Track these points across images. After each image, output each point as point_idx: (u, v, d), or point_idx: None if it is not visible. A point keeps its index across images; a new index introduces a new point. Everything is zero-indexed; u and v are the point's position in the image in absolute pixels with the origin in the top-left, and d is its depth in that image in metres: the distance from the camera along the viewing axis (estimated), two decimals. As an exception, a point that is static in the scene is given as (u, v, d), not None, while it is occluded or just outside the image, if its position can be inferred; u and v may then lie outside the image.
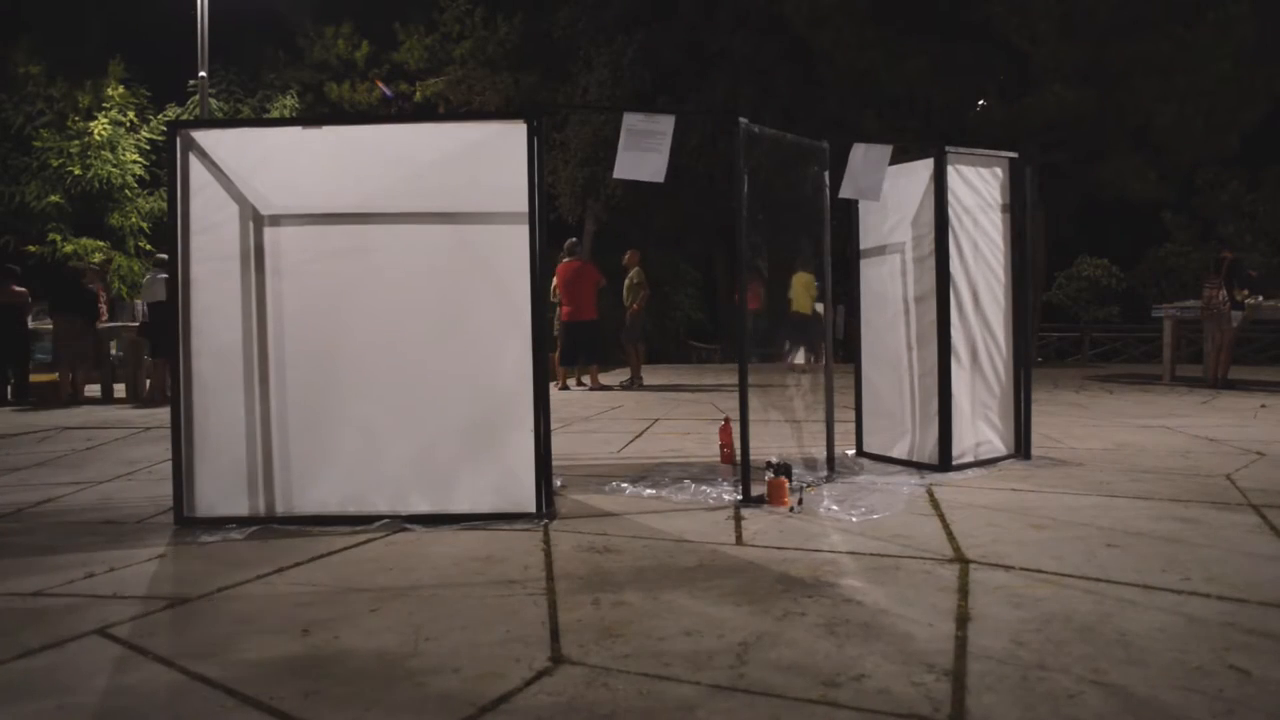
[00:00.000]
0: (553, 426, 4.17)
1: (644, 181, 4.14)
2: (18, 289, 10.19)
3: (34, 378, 10.65)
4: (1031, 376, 5.40)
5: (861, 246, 5.50)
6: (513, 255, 3.92)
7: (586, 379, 10.86)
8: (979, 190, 5.15)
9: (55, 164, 15.89)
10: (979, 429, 5.14)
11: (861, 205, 5.30)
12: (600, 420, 7.63)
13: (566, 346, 10.32)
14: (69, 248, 15.67)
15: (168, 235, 4.00)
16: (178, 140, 3.95)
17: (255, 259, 3.98)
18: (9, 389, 10.10)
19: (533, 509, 3.90)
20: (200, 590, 2.99)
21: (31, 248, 15.59)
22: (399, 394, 3.95)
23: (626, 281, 11.35)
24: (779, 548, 3.44)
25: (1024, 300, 5.36)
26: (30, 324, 10.83)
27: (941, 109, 16.59)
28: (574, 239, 11.23)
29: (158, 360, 9.81)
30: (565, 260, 10.41)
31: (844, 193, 4.89)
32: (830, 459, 5.08)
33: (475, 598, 2.87)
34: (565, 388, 10.43)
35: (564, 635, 2.52)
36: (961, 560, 3.22)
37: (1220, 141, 16.01)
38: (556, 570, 3.16)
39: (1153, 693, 2.09)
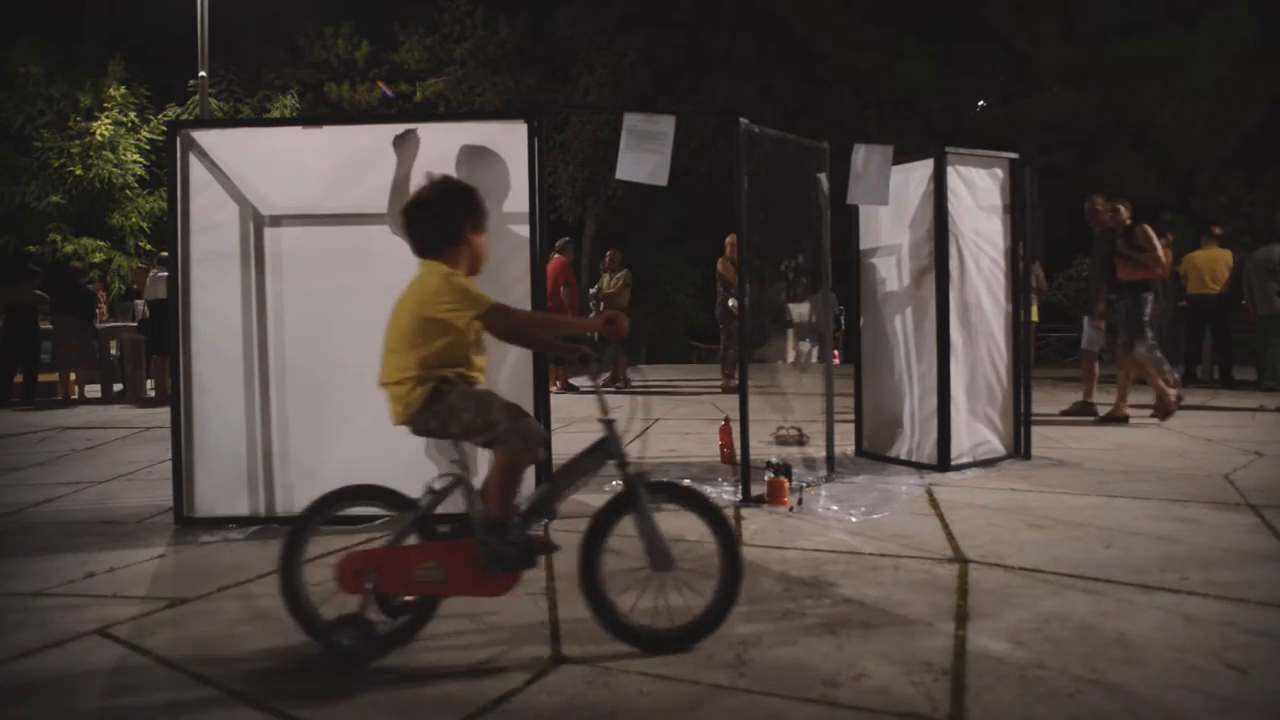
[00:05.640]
0: (553, 426, 4.16)
1: (645, 183, 4.13)
2: (38, 292, 10.19)
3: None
4: (1031, 377, 5.41)
5: (861, 247, 5.50)
6: (514, 256, 3.93)
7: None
8: (979, 191, 5.15)
9: (56, 164, 15.89)
10: (978, 429, 5.15)
11: (862, 206, 5.30)
12: (600, 420, 7.62)
13: None
14: (69, 248, 15.66)
15: (168, 235, 4.00)
16: (178, 140, 3.96)
17: (255, 259, 3.98)
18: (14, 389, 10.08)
19: (532, 509, 3.90)
20: (200, 590, 3.00)
21: (32, 248, 15.57)
22: (399, 394, 3.93)
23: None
24: (779, 547, 3.44)
25: (1022, 301, 5.37)
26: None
27: (941, 109, 16.62)
28: (566, 238, 11.21)
29: (157, 359, 9.81)
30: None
31: (852, 199, 4.89)
32: (830, 459, 5.08)
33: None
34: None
35: (564, 635, 2.53)
36: (961, 560, 3.22)
37: (1219, 142, 16.06)
38: (557, 570, 3.16)
39: (1151, 692, 2.09)
